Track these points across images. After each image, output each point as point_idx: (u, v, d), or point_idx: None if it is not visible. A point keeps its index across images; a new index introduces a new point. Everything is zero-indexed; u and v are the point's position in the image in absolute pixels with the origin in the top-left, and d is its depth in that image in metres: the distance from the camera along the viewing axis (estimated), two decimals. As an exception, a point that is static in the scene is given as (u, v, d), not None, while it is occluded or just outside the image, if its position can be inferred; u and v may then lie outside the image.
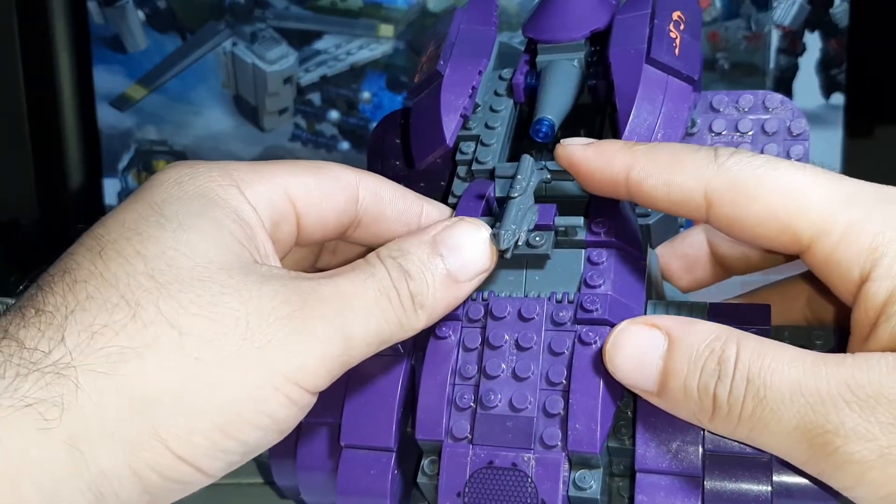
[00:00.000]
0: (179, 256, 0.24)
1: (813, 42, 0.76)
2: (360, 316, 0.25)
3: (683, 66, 0.32)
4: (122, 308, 0.23)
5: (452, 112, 0.33)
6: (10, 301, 0.24)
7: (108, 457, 0.22)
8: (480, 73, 0.34)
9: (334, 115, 0.76)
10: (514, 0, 0.74)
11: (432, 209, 0.32)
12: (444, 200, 0.33)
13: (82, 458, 0.22)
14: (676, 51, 0.33)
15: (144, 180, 0.77)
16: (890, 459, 0.23)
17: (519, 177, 0.29)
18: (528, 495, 0.27)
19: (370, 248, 0.29)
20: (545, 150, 0.34)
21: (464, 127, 0.34)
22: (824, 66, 0.76)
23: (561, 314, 0.29)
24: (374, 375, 0.30)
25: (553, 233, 0.30)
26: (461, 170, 0.33)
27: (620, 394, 0.28)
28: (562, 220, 0.30)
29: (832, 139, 0.76)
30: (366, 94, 0.76)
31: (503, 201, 0.29)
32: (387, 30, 0.75)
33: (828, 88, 0.76)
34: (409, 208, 0.31)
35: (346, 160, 0.77)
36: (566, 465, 0.27)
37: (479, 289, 0.29)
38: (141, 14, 0.74)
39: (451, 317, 0.29)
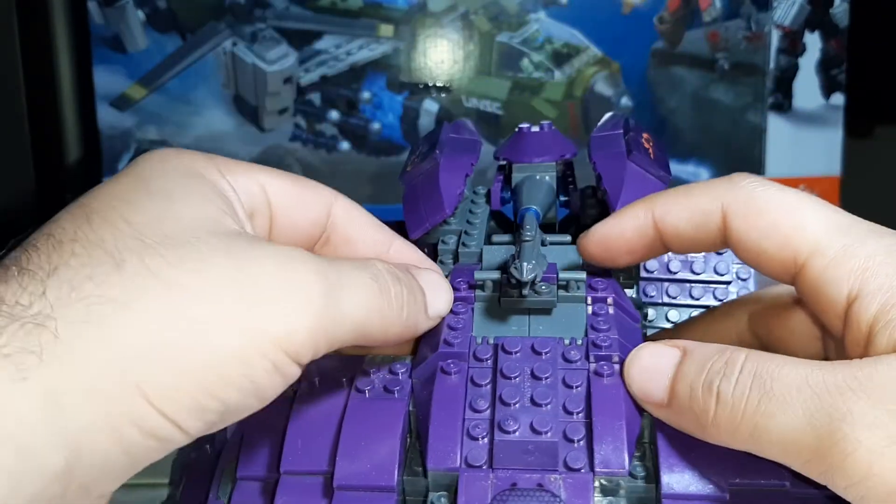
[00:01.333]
0: (168, 221, 0.24)
1: (813, 42, 0.76)
2: (352, 295, 0.25)
3: (657, 169, 0.36)
4: (106, 263, 0.23)
5: (451, 186, 0.36)
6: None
7: (87, 411, 0.21)
8: (472, 165, 0.37)
9: (334, 115, 0.76)
10: (514, 1, 0.75)
11: (403, 246, 0.32)
12: None
13: (60, 413, 0.21)
14: (651, 156, 0.37)
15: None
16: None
17: (527, 226, 0.31)
18: None
19: None
20: None
21: (444, 223, 0.37)
22: (824, 66, 0.76)
23: (572, 353, 0.29)
24: (370, 417, 0.28)
25: (556, 285, 0.31)
26: (445, 258, 0.36)
27: (639, 423, 0.28)
28: (565, 275, 0.32)
29: (832, 139, 0.76)
30: (366, 94, 0.76)
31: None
32: (387, 30, 0.75)
33: (828, 88, 0.76)
34: (380, 239, 0.32)
35: (347, 160, 0.77)
36: (594, 490, 0.26)
37: (484, 333, 0.31)
38: (141, 14, 0.74)
39: (457, 355, 0.29)
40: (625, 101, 0.76)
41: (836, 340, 0.28)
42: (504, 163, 0.39)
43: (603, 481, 0.26)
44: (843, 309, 0.26)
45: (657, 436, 0.27)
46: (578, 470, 0.26)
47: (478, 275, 0.32)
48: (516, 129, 0.39)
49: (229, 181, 0.27)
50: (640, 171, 0.36)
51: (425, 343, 0.31)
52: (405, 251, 0.32)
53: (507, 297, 0.31)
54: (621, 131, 0.39)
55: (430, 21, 0.75)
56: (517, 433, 0.27)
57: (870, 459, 0.23)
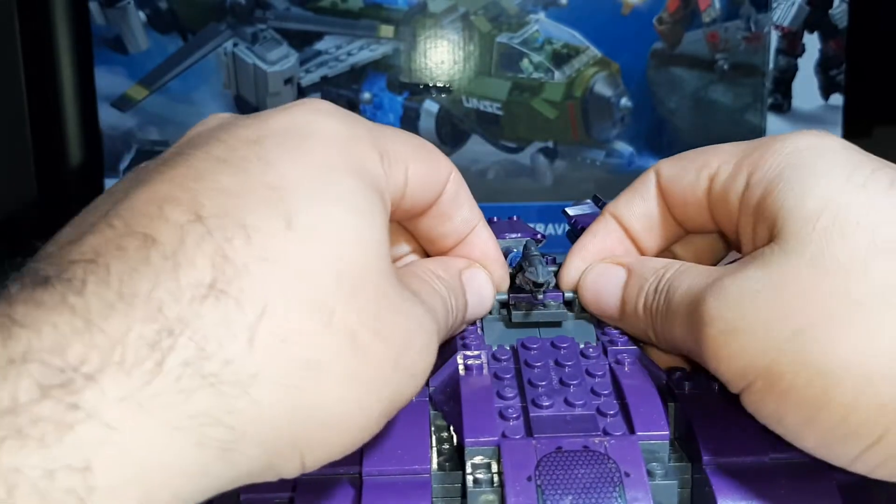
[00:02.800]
0: (358, 253, 0.22)
1: (812, 43, 0.76)
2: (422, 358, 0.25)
3: None
4: (315, 314, 0.20)
5: None
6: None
7: (252, 464, 0.20)
8: None
9: (335, 115, 0.76)
10: (514, 1, 0.75)
11: (482, 230, 0.32)
12: None
13: (233, 469, 0.20)
14: None
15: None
16: (735, 335, 0.24)
17: (530, 247, 0.33)
18: (609, 472, 0.24)
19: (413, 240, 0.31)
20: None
21: None
22: (823, 66, 0.76)
23: (590, 350, 0.30)
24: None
25: (563, 301, 0.33)
26: None
27: (665, 404, 0.28)
28: (570, 294, 0.33)
29: (831, 140, 0.76)
30: (366, 95, 0.76)
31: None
32: (387, 30, 0.75)
33: (827, 89, 0.76)
34: (468, 219, 0.31)
35: (347, 160, 0.77)
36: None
37: (499, 344, 0.32)
38: (142, 15, 0.74)
39: (476, 357, 0.30)
40: (624, 101, 0.76)
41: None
42: None
43: (645, 447, 0.26)
44: (736, 208, 0.28)
45: (690, 412, 0.27)
46: (621, 435, 0.26)
47: None
48: (488, 220, 0.42)
49: (388, 176, 0.25)
50: None
51: (437, 359, 0.31)
52: (482, 236, 0.32)
53: (518, 309, 0.32)
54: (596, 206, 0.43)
55: (431, 22, 0.75)
56: (552, 408, 0.27)
57: (717, 351, 0.24)
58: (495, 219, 0.42)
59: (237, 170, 0.21)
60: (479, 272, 0.31)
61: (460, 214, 0.30)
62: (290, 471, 0.21)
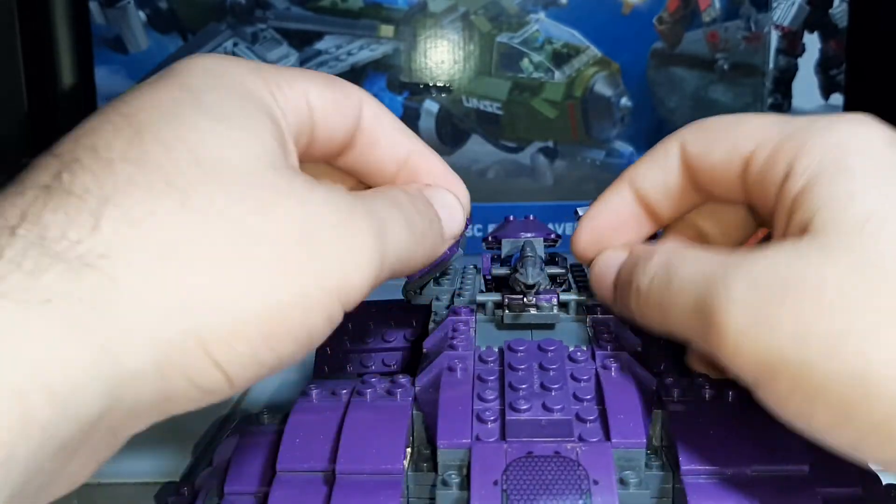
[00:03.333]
0: (225, 148, 0.22)
1: (812, 43, 0.76)
2: (393, 236, 0.25)
3: None
4: (169, 195, 0.20)
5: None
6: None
7: (139, 360, 0.19)
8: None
9: (335, 115, 0.76)
10: (514, 1, 0.75)
11: (423, 149, 0.31)
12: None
13: (109, 361, 0.19)
14: None
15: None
16: (763, 328, 0.23)
17: (527, 248, 0.33)
18: (577, 479, 0.24)
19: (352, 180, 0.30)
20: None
21: (437, 283, 0.39)
22: (823, 66, 0.76)
23: (578, 354, 0.30)
24: (373, 413, 0.28)
25: (557, 304, 0.32)
26: (438, 316, 0.36)
27: (649, 413, 0.28)
28: (565, 296, 0.33)
29: (831, 139, 0.76)
30: (366, 95, 0.76)
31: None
32: (387, 30, 0.75)
33: (827, 89, 0.76)
34: (402, 142, 0.30)
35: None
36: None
37: (488, 345, 0.31)
38: (142, 15, 0.74)
39: (462, 357, 0.30)
40: (624, 101, 0.76)
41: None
42: (494, 245, 0.41)
43: (620, 454, 0.26)
44: (776, 191, 0.26)
45: (671, 424, 0.27)
46: (596, 441, 0.26)
47: (479, 297, 0.33)
48: (504, 219, 0.42)
49: (277, 100, 0.25)
50: None
51: (426, 358, 0.31)
52: (426, 157, 0.31)
53: (510, 310, 0.32)
54: None
55: (431, 21, 0.75)
56: (529, 412, 0.27)
57: (737, 339, 0.23)
58: (511, 218, 0.41)
59: (102, 114, 0.22)
60: (439, 189, 0.30)
61: (388, 138, 0.29)
62: (208, 379, 0.21)
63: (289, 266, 0.21)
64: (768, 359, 0.23)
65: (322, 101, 0.27)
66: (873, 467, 0.26)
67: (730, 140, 0.28)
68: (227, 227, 0.21)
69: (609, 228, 0.31)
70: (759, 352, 0.23)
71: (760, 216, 0.30)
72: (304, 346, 0.22)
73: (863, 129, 0.26)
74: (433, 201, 0.29)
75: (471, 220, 0.42)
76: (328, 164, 0.30)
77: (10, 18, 0.73)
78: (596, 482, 0.24)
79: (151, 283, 0.19)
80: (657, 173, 0.30)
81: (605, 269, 0.30)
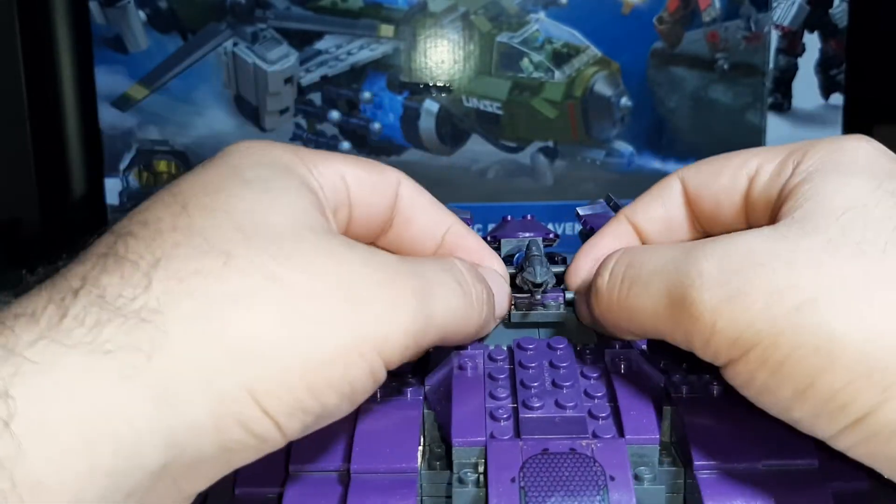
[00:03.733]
0: (267, 213, 0.24)
1: (812, 42, 0.76)
2: (441, 298, 0.25)
3: None
4: (213, 255, 0.22)
5: None
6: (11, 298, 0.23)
7: (195, 410, 0.21)
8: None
9: (335, 115, 0.76)
10: (514, 1, 0.75)
11: (461, 229, 0.32)
12: None
13: (167, 412, 0.20)
14: None
15: (146, 180, 0.77)
16: (737, 303, 0.23)
17: (532, 247, 0.34)
18: (594, 475, 0.24)
19: None
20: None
21: None
22: (823, 66, 0.76)
23: (587, 353, 0.30)
24: (386, 412, 0.28)
25: (563, 303, 0.33)
26: None
27: (659, 410, 0.28)
28: (571, 294, 0.33)
29: (831, 139, 0.76)
30: (366, 94, 0.76)
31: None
32: (387, 30, 0.75)
33: (827, 89, 0.76)
34: (439, 220, 0.31)
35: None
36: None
37: (497, 344, 0.31)
38: (142, 14, 0.74)
39: (472, 356, 0.30)
40: (624, 101, 0.76)
41: None
42: (493, 245, 0.41)
43: (634, 450, 0.26)
44: (776, 198, 0.27)
45: (683, 420, 0.27)
46: (610, 438, 0.26)
47: None
48: (502, 219, 0.43)
49: (315, 176, 0.27)
50: None
51: (434, 357, 0.31)
52: (463, 235, 0.32)
53: (518, 309, 0.32)
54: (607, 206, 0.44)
55: (431, 21, 0.75)
56: (542, 409, 0.27)
57: (712, 319, 0.24)
58: (509, 217, 0.41)
59: (155, 196, 0.25)
60: (491, 269, 0.31)
61: (425, 216, 0.31)
62: (261, 427, 0.22)
63: (331, 320, 0.22)
64: (742, 334, 0.23)
65: (358, 180, 0.28)
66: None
67: (733, 163, 0.29)
68: (268, 283, 0.22)
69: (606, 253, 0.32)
70: (733, 327, 0.23)
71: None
72: (347, 398, 0.23)
73: (863, 142, 0.27)
74: (486, 277, 0.30)
75: (472, 220, 0.42)
76: (371, 244, 0.31)
77: (10, 18, 0.73)
78: (612, 478, 0.24)
79: (200, 335, 0.21)
80: (657, 208, 0.31)
81: (576, 279, 0.31)
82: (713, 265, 0.24)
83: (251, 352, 0.21)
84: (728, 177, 0.29)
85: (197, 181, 0.24)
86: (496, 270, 0.32)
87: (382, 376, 0.24)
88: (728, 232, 0.31)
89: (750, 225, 0.30)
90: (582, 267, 0.32)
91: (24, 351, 0.19)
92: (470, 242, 0.32)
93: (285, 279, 0.22)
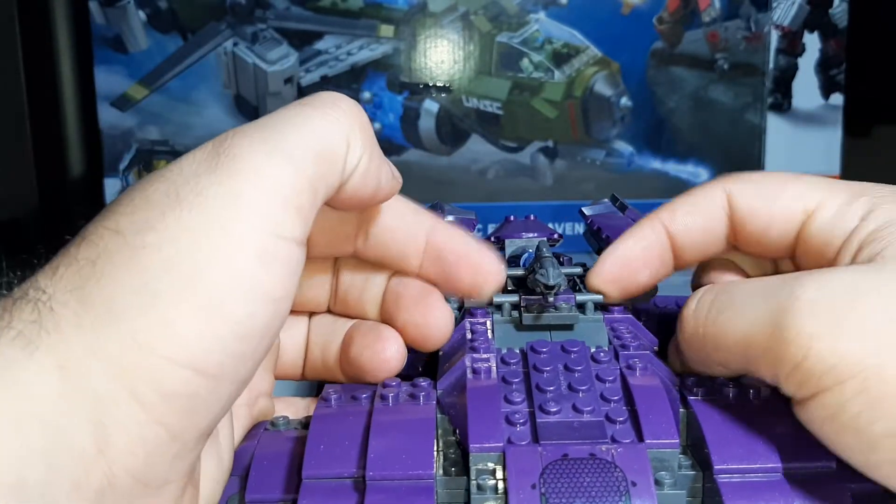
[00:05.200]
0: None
1: (812, 42, 0.76)
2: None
3: None
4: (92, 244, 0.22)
5: None
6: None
7: (99, 378, 0.20)
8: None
9: (335, 115, 0.76)
10: (514, 1, 0.75)
11: (442, 228, 0.32)
12: None
13: (76, 384, 0.20)
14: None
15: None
16: (841, 329, 0.23)
17: (542, 248, 0.33)
18: (615, 481, 0.24)
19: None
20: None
21: None
22: (823, 66, 0.76)
23: (601, 355, 0.30)
24: (399, 416, 0.28)
25: (574, 304, 0.32)
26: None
27: (677, 412, 0.27)
28: (582, 297, 0.32)
29: (831, 139, 0.76)
30: (366, 95, 0.76)
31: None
32: (387, 30, 0.75)
33: (827, 89, 0.76)
34: (418, 222, 0.32)
35: (347, 160, 0.77)
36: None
37: (509, 347, 0.31)
38: (142, 14, 0.74)
39: (484, 360, 0.29)
40: (624, 101, 0.76)
41: None
42: (497, 245, 0.41)
43: (653, 455, 0.25)
44: (839, 245, 0.27)
45: (702, 420, 0.27)
46: (629, 442, 0.25)
47: (496, 297, 0.32)
48: (505, 219, 0.43)
49: None
50: (638, 215, 0.38)
51: (445, 360, 0.31)
52: (447, 237, 0.32)
53: (528, 311, 0.32)
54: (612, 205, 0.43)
55: (431, 21, 0.75)
56: (559, 414, 0.26)
57: (809, 342, 0.23)
58: (512, 218, 0.41)
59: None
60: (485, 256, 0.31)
61: (404, 223, 0.31)
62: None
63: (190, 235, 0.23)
64: (842, 361, 0.22)
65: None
66: None
67: (789, 195, 0.29)
68: (119, 236, 0.22)
69: (637, 263, 0.31)
70: (832, 354, 0.23)
71: (797, 264, 0.31)
72: (259, 298, 0.22)
73: None
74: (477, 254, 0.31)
75: (477, 221, 0.42)
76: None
77: (10, 18, 0.73)
78: (634, 484, 0.24)
79: (78, 303, 0.21)
80: (696, 218, 0.31)
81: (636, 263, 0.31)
82: (816, 291, 0.23)
83: (126, 304, 0.21)
84: (783, 206, 0.29)
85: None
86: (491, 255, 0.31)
87: (297, 255, 0.24)
88: (767, 257, 0.31)
89: (796, 258, 0.29)
90: (608, 269, 0.31)
91: None
92: (456, 243, 0.31)
93: (127, 223, 0.22)
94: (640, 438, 0.26)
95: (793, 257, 0.30)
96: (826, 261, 0.28)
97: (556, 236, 0.39)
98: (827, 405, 0.23)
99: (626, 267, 0.31)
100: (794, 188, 0.29)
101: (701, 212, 0.31)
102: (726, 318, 0.26)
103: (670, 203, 0.32)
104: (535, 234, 0.38)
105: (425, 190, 0.74)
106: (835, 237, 0.27)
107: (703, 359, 0.28)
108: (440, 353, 0.32)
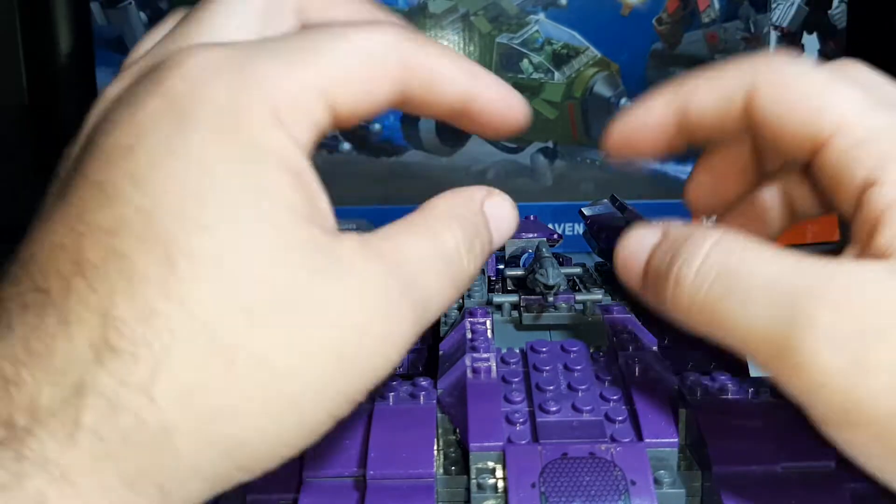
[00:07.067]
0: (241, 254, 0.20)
1: (811, 43, 0.76)
2: (436, 293, 0.23)
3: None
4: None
5: None
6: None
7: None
8: None
9: (335, 115, 0.76)
10: (514, 2, 0.75)
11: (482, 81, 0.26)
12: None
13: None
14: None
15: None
16: (858, 370, 0.21)
17: (542, 248, 0.33)
18: (614, 480, 0.24)
19: None
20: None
21: None
22: (822, 67, 0.76)
23: (600, 355, 0.30)
24: (400, 416, 0.28)
25: (573, 304, 0.32)
26: (448, 316, 0.36)
27: (675, 412, 0.27)
28: (582, 297, 0.32)
29: (830, 140, 0.76)
30: (366, 95, 0.76)
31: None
32: (387, 31, 0.75)
33: (826, 89, 0.76)
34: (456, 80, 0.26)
35: (347, 161, 0.77)
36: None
37: (509, 347, 0.31)
38: (143, 15, 0.74)
39: (484, 359, 0.29)
40: (624, 101, 0.76)
41: (847, 224, 0.25)
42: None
43: (652, 454, 0.25)
44: (859, 192, 0.24)
45: (700, 423, 0.27)
46: (629, 441, 0.26)
47: (496, 298, 0.32)
48: None
49: (295, 135, 0.21)
50: (638, 216, 0.39)
51: (445, 360, 0.31)
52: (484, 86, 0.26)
53: (528, 311, 0.32)
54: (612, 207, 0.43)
55: (431, 22, 0.75)
56: (559, 413, 0.27)
57: (823, 378, 0.21)
58: None
59: (112, 199, 0.20)
60: (501, 202, 0.27)
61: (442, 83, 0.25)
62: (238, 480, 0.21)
63: (316, 394, 0.21)
64: (857, 406, 0.21)
65: (347, 97, 0.23)
66: None
67: (808, 110, 0.25)
68: (264, 375, 0.20)
69: (645, 130, 0.28)
70: (847, 398, 0.21)
71: (823, 197, 0.28)
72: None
73: None
74: (491, 219, 0.26)
75: None
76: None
77: (10, 18, 0.73)
78: (633, 483, 0.24)
79: (211, 453, 0.20)
80: (713, 99, 0.28)
81: (634, 249, 0.27)
82: (831, 316, 0.21)
83: (249, 453, 0.20)
84: (798, 124, 0.25)
85: (168, 198, 0.20)
86: (508, 203, 0.27)
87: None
88: (791, 158, 0.26)
89: (815, 181, 0.26)
90: (618, 128, 0.28)
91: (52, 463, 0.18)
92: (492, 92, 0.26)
93: (280, 368, 0.20)
94: (640, 437, 0.26)
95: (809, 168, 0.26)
96: (839, 205, 0.25)
97: (555, 236, 0.39)
98: (841, 439, 0.22)
99: (638, 129, 0.28)
100: (819, 103, 0.25)
101: (719, 93, 0.28)
102: (728, 306, 0.23)
103: (690, 76, 0.29)
104: (535, 235, 0.39)
105: (425, 190, 0.74)
106: (843, 186, 0.24)
107: (689, 324, 0.25)
108: (440, 352, 0.32)
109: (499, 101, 0.26)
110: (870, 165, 0.23)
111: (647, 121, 0.28)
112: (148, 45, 0.25)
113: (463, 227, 0.25)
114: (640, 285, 0.26)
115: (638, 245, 0.26)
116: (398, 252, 0.22)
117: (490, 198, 0.27)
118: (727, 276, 0.23)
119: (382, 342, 0.21)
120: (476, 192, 0.27)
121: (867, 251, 0.23)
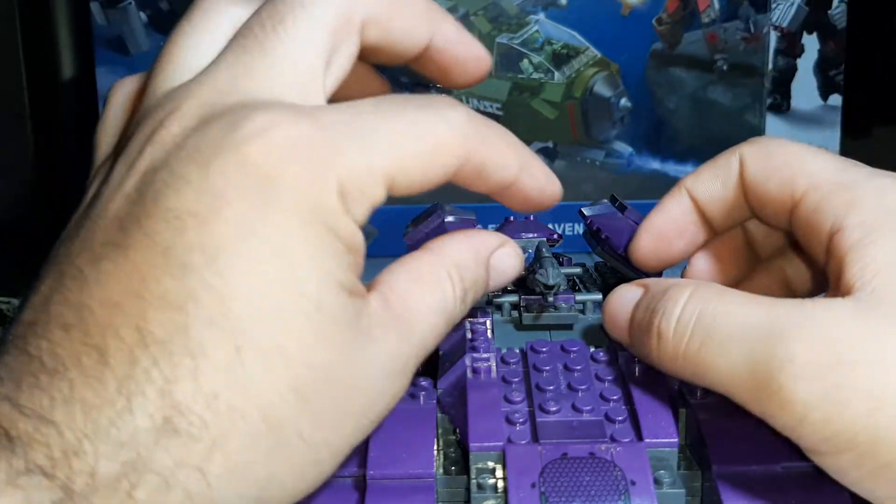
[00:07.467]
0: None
1: (811, 43, 0.76)
2: (431, 343, 0.25)
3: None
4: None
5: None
6: (14, 301, 0.22)
7: None
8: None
9: (335, 115, 0.76)
10: (514, 2, 0.75)
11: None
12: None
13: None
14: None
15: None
16: (835, 400, 0.22)
17: (542, 249, 0.34)
18: (614, 480, 0.24)
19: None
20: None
21: None
22: (822, 67, 0.76)
23: (600, 355, 0.30)
24: (400, 416, 0.27)
25: (574, 304, 0.33)
26: None
27: (675, 412, 0.28)
28: (582, 297, 0.33)
29: (830, 140, 0.76)
30: (366, 95, 0.76)
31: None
32: (387, 31, 0.75)
33: (826, 90, 0.76)
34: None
35: (347, 161, 0.77)
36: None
37: (509, 347, 0.31)
38: (143, 16, 0.74)
39: (485, 359, 0.29)
40: (624, 101, 0.76)
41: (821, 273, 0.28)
42: None
43: (652, 454, 0.26)
44: (826, 240, 0.26)
45: (701, 419, 0.27)
46: (628, 441, 0.26)
47: (496, 298, 0.33)
48: (505, 219, 0.43)
49: (352, 211, 0.23)
50: (638, 215, 0.38)
51: (445, 360, 0.31)
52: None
53: (528, 311, 0.32)
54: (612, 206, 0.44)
55: (431, 22, 0.75)
56: (559, 413, 0.27)
57: (804, 412, 0.22)
58: (512, 218, 0.42)
59: (181, 269, 0.20)
60: (508, 254, 0.28)
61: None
62: None
63: (338, 451, 0.23)
64: (837, 435, 0.22)
65: (406, 179, 0.25)
66: None
67: (786, 174, 0.28)
68: (303, 450, 0.22)
69: (669, 234, 0.32)
70: (827, 427, 0.22)
71: (806, 251, 0.30)
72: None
73: None
74: (494, 269, 0.28)
75: (477, 221, 0.42)
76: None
77: (10, 19, 0.73)
78: (633, 483, 0.24)
79: None
80: (716, 184, 0.31)
81: (619, 306, 0.29)
82: (806, 352, 0.23)
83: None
84: (778, 185, 0.28)
85: (243, 284, 0.20)
86: (515, 252, 0.29)
87: None
88: (778, 228, 0.30)
89: (797, 237, 0.29)
90: (644, 245, 0.31)
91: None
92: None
93: (314, 441, 0.22)
94: (640, 437, 0.26)
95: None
96: (815, 254, 0.28)
97: (555, 236, 0.39)
98: (828, 465, 0.23)
99: (661, 239, 0.31)
100: (794, 168, 0.28)
101: (719, 176, 0.31)
102: (709, 352, 0.24)
103: (697, 169, 0.32)
104: (535, 234, 0.39)
105: (428, 191, 0.74)
106: (815, 234, 0.27)
107: (680, 376, 0.27)
108: (440, 352, 0.32)
109: (538, 190, 0.28)
110: (835, 214, 0.26)
111: (667, 223, 0.31)
112: (197, 41, 0.27)
113: (463, 279, 0.26)
114: (629, 342, 0.28)
115: (620, 302, 0.29)
116: (409, 311, 0.24)
117: (501, 249, 0.28)
118: (705, 325, 0.25)
119: (393, 398, 0.24)
120: (488, 242, 0.28)
121: (837, 291, 0.25)
